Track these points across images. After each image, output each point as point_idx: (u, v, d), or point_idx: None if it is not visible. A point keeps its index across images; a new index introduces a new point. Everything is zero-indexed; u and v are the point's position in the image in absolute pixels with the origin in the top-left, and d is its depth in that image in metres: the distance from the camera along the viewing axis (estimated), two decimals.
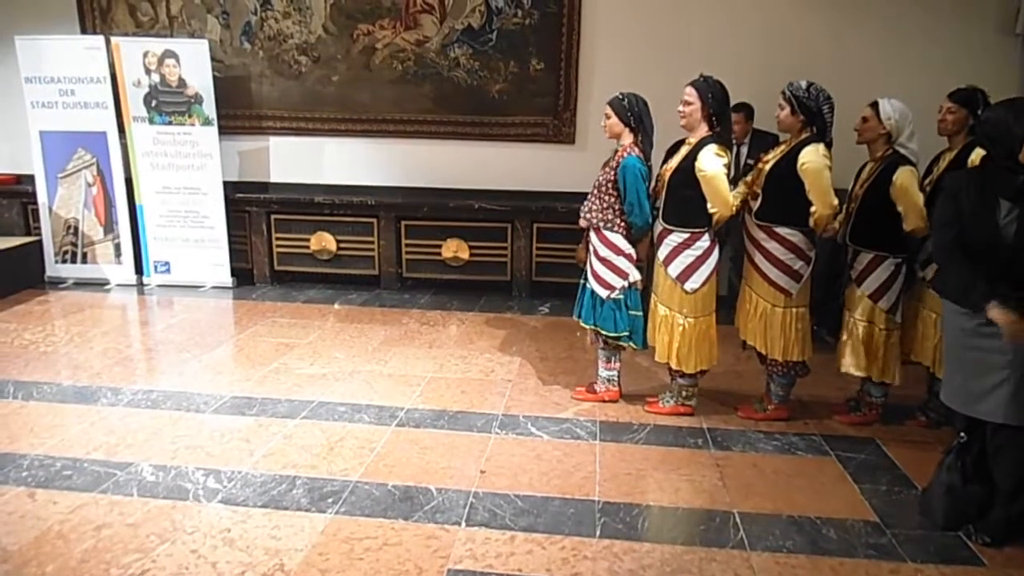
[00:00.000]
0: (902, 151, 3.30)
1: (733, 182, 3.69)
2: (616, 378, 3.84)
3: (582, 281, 3.77)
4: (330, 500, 2.85)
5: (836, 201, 3.24)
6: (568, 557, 2.53)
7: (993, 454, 2.63)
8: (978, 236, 2.58)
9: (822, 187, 3.21)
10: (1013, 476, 2.60)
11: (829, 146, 3.29)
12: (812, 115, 3.28)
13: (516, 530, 2.68)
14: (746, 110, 4.81)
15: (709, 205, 3.33)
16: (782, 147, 3.41)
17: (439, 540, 2.61)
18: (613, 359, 3.80)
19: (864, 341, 3.48)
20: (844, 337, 3.55)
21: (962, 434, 2.76)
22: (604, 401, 3.82)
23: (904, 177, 3.24)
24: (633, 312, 3.65)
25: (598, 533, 2.67)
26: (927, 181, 3.47)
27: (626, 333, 3.65)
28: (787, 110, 3.32)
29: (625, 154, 3.49)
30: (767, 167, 3.39)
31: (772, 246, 3.40)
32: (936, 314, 3.40)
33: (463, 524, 2.71)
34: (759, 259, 3.45)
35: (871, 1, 5.27)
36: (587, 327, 3.76)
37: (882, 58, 5.25)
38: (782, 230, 3.37)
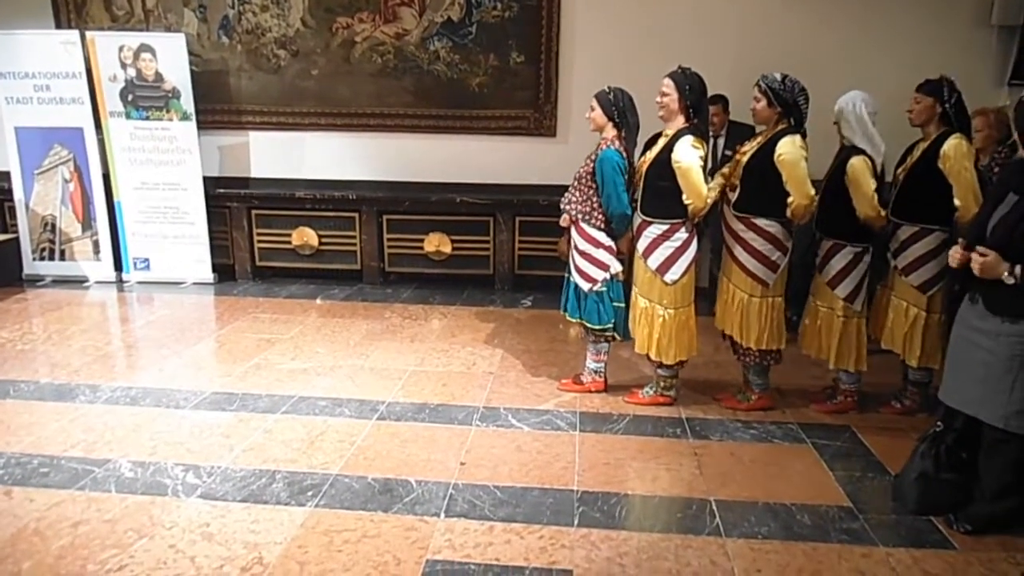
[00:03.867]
0: (845, 142, 3.37)
1: (711, 173, 3.72)
2: (603, 370, 3.87)
3: (566, 275, 3.79)
4: (310, 493, 2.85)
5: (813, 191, 3.27)
6: (546, 546, 2.55)
7: (985, 451, 2.65)
8: (973, 226, 2.60)
9: (799, 177, 3.24)
10: (1002, 478, 2.62)
11: (804, 137, 3.32)
12: (788, 107, 3.30)
13: (495, 520, 2.70)
14: (723, 102, 4.84)
15: (684, 196, 3.35)
16: (759, 139, 3.43)
17: (418, 531, 2.62)
18: (602, 351, 3.83)
19: (823, 327, 3.55)
20: (807, 321, 3.63)
21: (939, 423, 2.80)
22: (590, 391, 3.85)
23: (854, 167, 3.30)
24: (616, 303, 3.68)
25: (576, 522, 2.70)
26: (900, 169, 3.51)
27: (610, 325, 3.68)
28: (763, 102, 3.34)
29: (604, 147, 3.50)
30: (744, 159, 3.41)
31: (751, 237, 3.43)
32: (907, 302, 3.46)
33: (442, 515, 2.72)
34: (738, 250, 3.48)
35: None
36: (573, 321, 3.79)
37: (857, 49, 5.29)
38: (761, 221, 3.40)
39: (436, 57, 5.70)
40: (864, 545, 2.59)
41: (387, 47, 5.73)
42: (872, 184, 3.28)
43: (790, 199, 3.28)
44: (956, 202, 3.17)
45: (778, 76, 3.31)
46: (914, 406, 3.64)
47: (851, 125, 3.34)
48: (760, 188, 3.36)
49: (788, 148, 3.25)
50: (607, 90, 3.54)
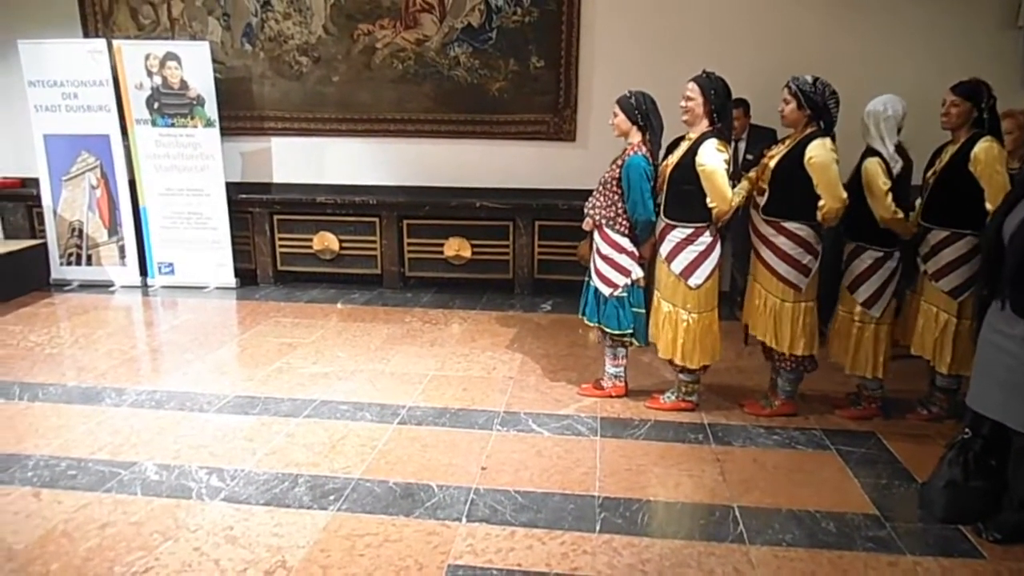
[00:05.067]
0: (872, 145, 3.33)
1: (733, 177, 3.69)
2: (623, 374, 3.85)
3: (586, 279, 3.78)
4: (332, 497, 2.87)
5: (845, 194, 3.22)
6: (568, 552, 2.54)
7: (1013, 458, 2.61)
8: (984, 237, 2.58)
9: (830, 180, 3.20)
10: None
11: (833, 140, 3.29)
12: (819, 110, 3.26)
13: (516, 525, 2.69)
14: (744, 105, 4.80)
15: (708, 200, 3.33)
16: (787, 142, 3.39)
17: (440, 536, 2.62)
18: (619, 356, 3.81)
19: (842, 332, 3.54)
20: (832, 326, 3.61)
21: (967, 430, 2.76)
22: (611, 397, 3.83)
23: (866, 169, 3.28)
24: (636, 309, 3.66)
25: (598, 528, 2.68)
26: (929, 174, 3.46)
27: (630, 330, 3.66)
28: (793, 104, 3.30)
29: (631, 152, 3.49)
30: (772, 162, 3.37)
31: (781, 241, 3.38)
32: (937, 308, 3.41)
33: (464, 520, 2.72)
34: (767, 254, 3.44)
35: None
36: (592, 325, 3.78)
37: (881, 52, 5.23)
38: (790, 225, 3.35)
39: (456, 63, 5.73)
40: (891, 554, 2.55)
41: (408, 53, 5.77)
42: (884, 185, 3.24)
43: (821, 202, 3.24)
44: (988, 206, 3.11)
45: (809, 78, 3.27)
46: (941, 413, 3.58)
47: (868, 127, 3.32)
48: (790, 192, 3.32)
49: (819, 151, 3.21)
50: (628, 95, 3.53)
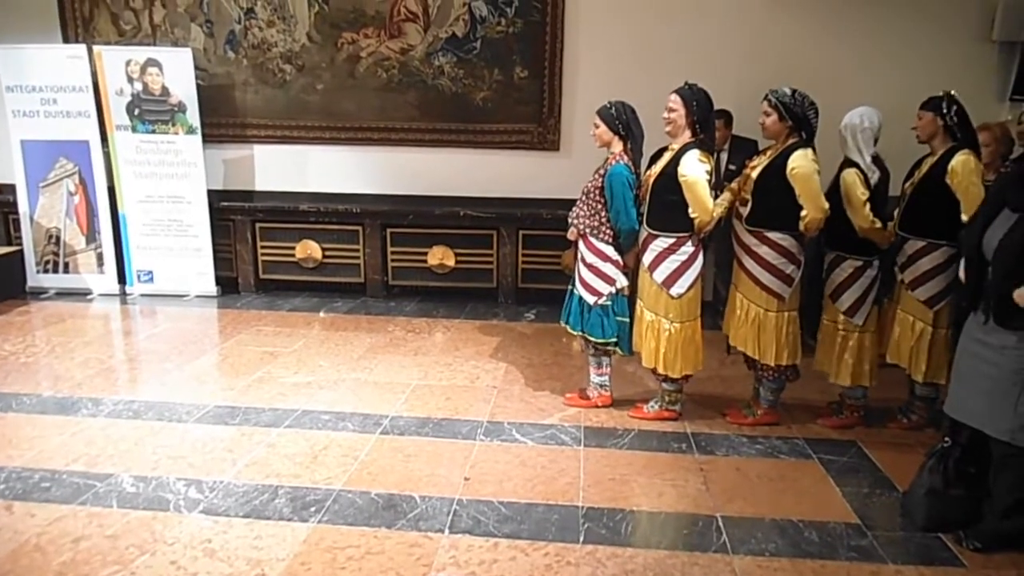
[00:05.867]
0: (849, 156, 3.37)
1: (715, 188, 3.72)
2: (608, 383, 3.85)
3: (570, 287, 3.79)
4: (313, 509, 2.83)
5: (827, 204, 3.26)
6: (551, 563, 2.53)
7: (995, 467, 2.64)
8: (965, 240, 2.61)
9: (813, 191, 3.24)
10: (1011, 495, 2.60)
11: (814, 151, 3.32)
12: (799, 121, 3.30)
13: (499, 537, 2.67)
14: (725, 116, 4.84)
15: (690, 210, 3.35)
16: (769, 153, 3.43)
17: (422, 548, 2.60)
18: (603, 364, 3.81)
19: (827, 340, 3.57)
20: (819, 336, 3.64)
21: (946, 438, 2.78)
22: (597, 406, 3.83)
23: (844, 179, 3.34)
24: (620, 318, 3.67)
25: (581, 539, 2.67)
26: (908, 184, 3.52)
27: (614, 339, 3.67)
28: (774, 116, 3.33)
29: (614, 162, 3.50)
30: (755, 173, 3.40)
31: (764, 251, 3.41)
32: (913, 317, 3.45)
33: (446, 531, 2.70)
34: (750, 264, 3.46)
35: (849, 9, 5.33)
36: (575, 333, 3.78)
37: (860, 65, 5.30)
38: (773, 235, 3.38)
39: (440, 72, 5.73)
40: (873, 563, 2.57)
41: (392, 62, 5.76)
42: (863, 195, 3.28)
43: (803, 212, 3.27)
44: (964, 218, 3.17)
45: (787, 90, 3.31)
46: (921, 421, 3.62)
47: (845, 138, 3.37)
48: (772, 202, 3.35)
49: (801, 162, 3.24)
50: (608, 105, 3.55)
